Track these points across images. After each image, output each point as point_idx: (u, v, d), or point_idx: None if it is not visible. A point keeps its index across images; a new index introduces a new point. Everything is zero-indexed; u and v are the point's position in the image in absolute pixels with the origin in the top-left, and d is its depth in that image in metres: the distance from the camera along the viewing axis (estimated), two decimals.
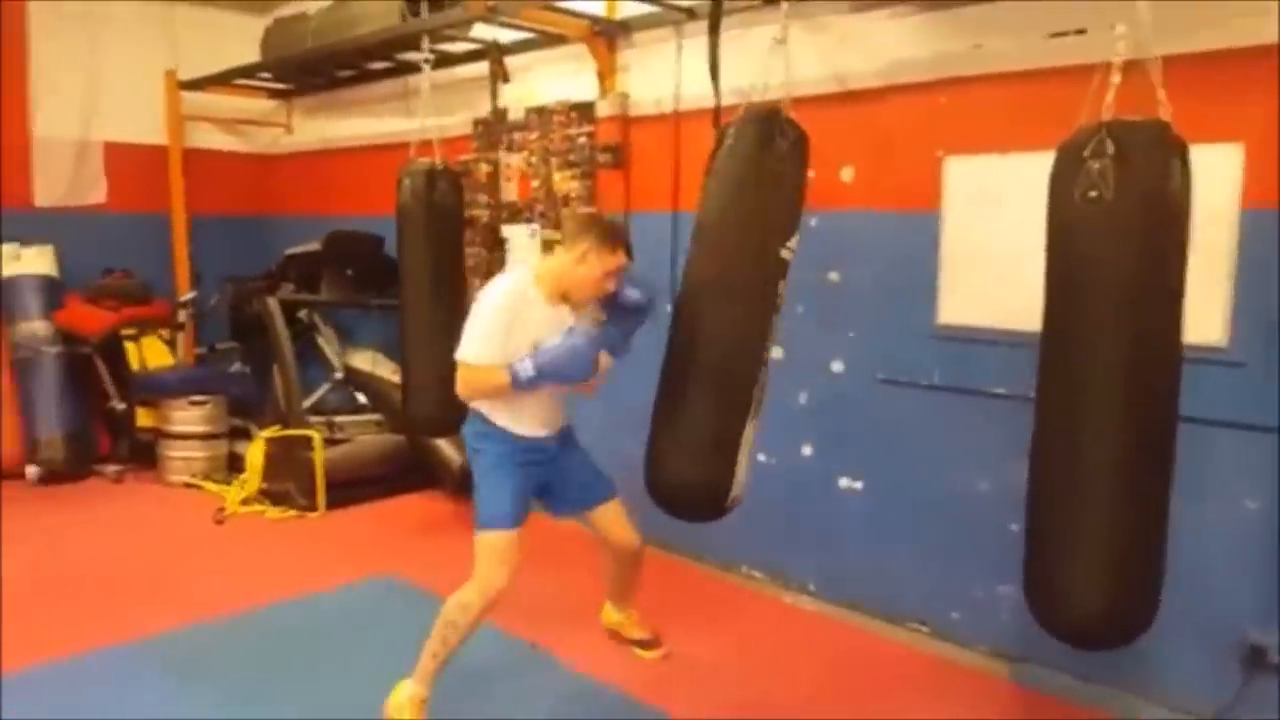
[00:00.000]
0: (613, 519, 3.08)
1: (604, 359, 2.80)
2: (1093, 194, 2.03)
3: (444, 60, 5.06)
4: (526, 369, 2.64)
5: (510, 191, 4.82)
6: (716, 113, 3.37)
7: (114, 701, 2.91)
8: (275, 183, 7.07)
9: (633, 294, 2.86)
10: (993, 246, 3.13)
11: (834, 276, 3.65)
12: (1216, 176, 2.54)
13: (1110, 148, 2.03)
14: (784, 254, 2.83)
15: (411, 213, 4.17)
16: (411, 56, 4.89)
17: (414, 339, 4.28)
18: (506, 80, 4.53)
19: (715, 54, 3.42)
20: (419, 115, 4.26)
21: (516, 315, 2.71)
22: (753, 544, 4.02)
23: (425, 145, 4.20)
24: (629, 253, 2.80)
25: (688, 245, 2.90)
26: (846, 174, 3.58)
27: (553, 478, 2.97)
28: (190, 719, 2.84)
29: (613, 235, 2.80)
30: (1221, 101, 2.60)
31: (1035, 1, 2.95)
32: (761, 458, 3.90)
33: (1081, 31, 2.85)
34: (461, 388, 2.76)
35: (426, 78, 4.29)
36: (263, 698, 2.98)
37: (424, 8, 4.44)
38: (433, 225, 4.16)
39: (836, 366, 3.68)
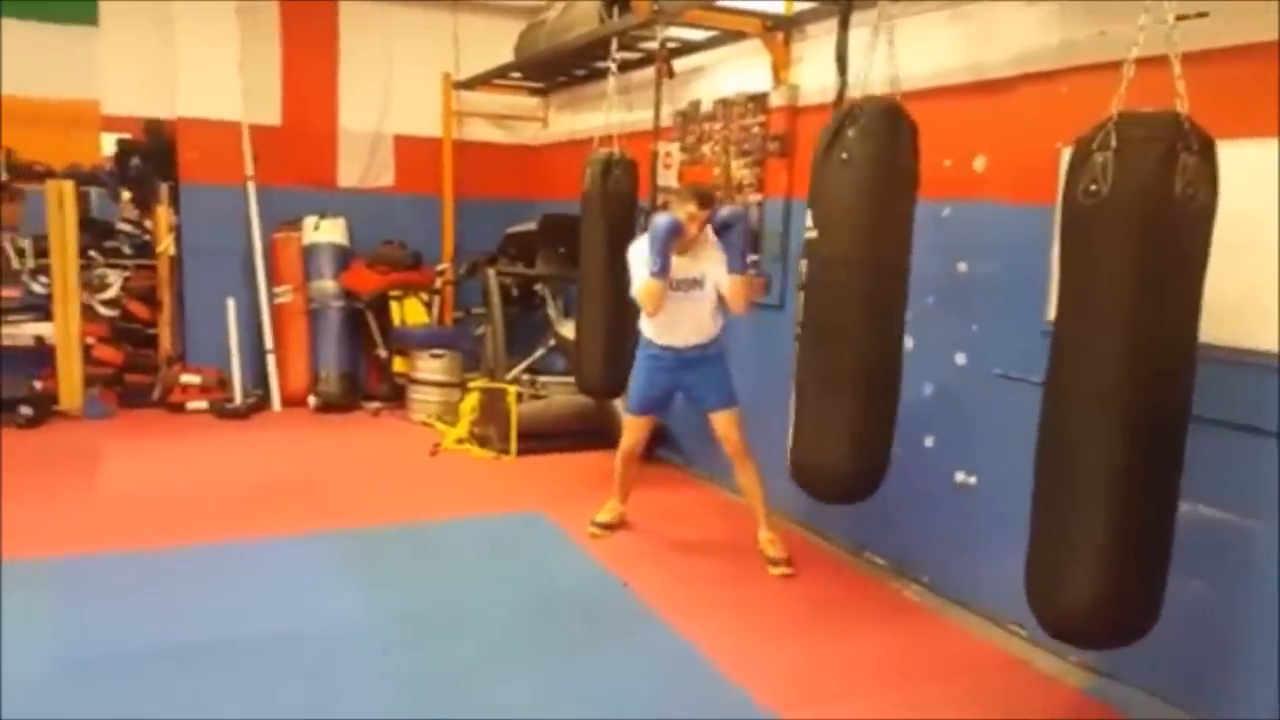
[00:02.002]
0: (722, 423, 4.06)
1: (737, 283, 3.88)
2: (1092, 188, 2.01)
3: (652, 58, 5.49)
4: (650, 261, 3.79)
5: (668, 178, 5.15)
6: (839, 104, 3.51)
7: (270, 575, 3.67)
8: (535, 170, 7.90)
9: (721, 213, 3.90)
10: None
11: (962, 267, 3.63)
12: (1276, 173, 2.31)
13: (1113, 141, 1.99)
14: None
15: (590, 197, 4.64)
16: (626, 56, 5.41)
17: (586, 312, 4.77)
18: (671, 76, 4.86)
19: (844, 47, 3.55)
20: (609, 107, 4.71)
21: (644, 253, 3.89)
22: (879, 532, 4.09)
23: (607, 138, 4.66)
24: (701, 204, 3.85)
25: None
26: (979, 164, 3.54)
27: (688, 383, 4.09)
28: (324, 596, 3.52)
29: (684, 193, 3.94)
30: None
31: None
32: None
33: (1204, 14, 2.66)
34: (643, 303, 3.94)
35: (613, 75, 4.73)
36: (390, 584, 3.67)
37: (616, 11, 4.87)
38: (606, 208, 4.59)
39: (960, 359, 3.65)
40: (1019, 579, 3.31)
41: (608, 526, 4.39)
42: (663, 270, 3.80)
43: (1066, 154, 3.08)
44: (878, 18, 2.95)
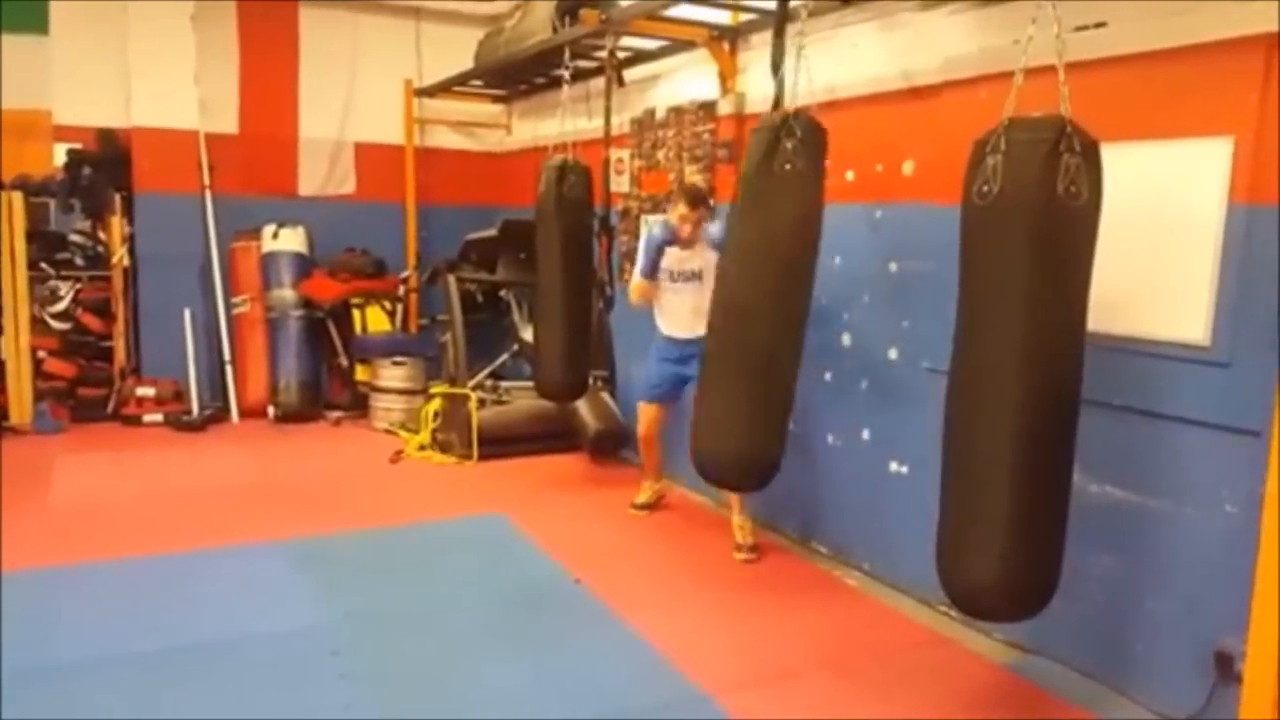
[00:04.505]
0: None
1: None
2: (985, 189, 2.16)
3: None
4: (638, 263, 4.34)
5: (621, 184, 5.29)
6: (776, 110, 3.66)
7: (228, 583, 3.69)
8: (500, 177, 7.97)
9: (712, 230, 4.18)
10: None
11: (893, 267, 3.78)
12: (1202, 171, 2.49)
13: (1003, 145, 2.14)
14: None
15: (544, 202, 4.75)
16: (581, 64, 5.55)
17: (544, 315, 4.89)
18: (621, 84, 4.99)
19: (779, 56, 3.69)
20: (564, 115, 4.85)
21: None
22: (823, 522, 4.24)
23: (563, 145, 4.80)
24: (691, 205, 4.15)
25: None
26: (908, 168, 3.69)
27: (688, 374, 4.20)
28: (282, 601, 3.58)
29: (675, 194, 4.34)
30: (1213, 94, 2.52)
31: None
32: (830, 439, 4.14)
33: (1102, 24, 2.83)
34: (630, 294, 4.50)
35: (566, 84, 4.88)
36: (349, 588, 3.73)
37: (568, 21, 5.01)
38: (561, 214, 4.71)
39: (892, 354, 3.80)
40: None
41: (647, 507, 4.75)
42: (648, 273, 4.28)
43: None
44: (803, 22, 3.08)
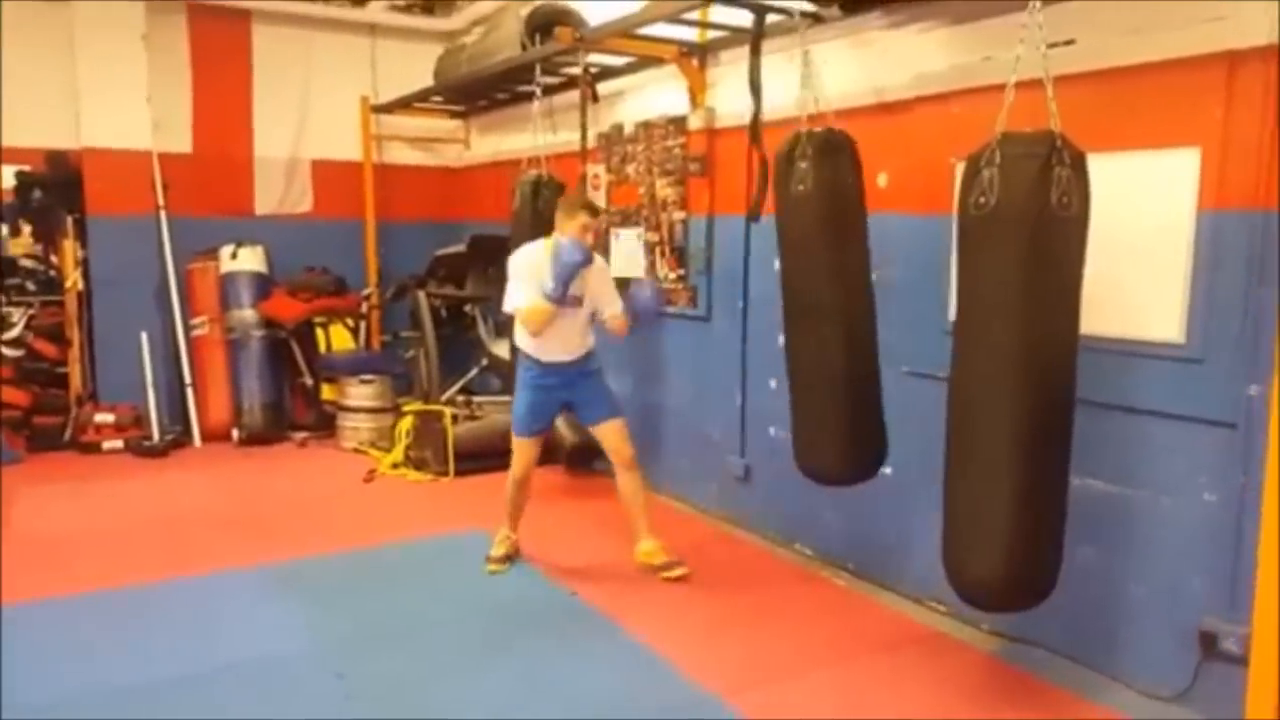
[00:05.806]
0: (612, 434, 4.12)
1: (619, 318, 4.07)
2: (981, 201, 2.27)
3: (572, 82, 5.69)
4: (548, 285, 3.77)
5: (597, 199, 5.35)
6: (754, 126, 3.78)
7: (210, 611, 3.65)
8: (458, 192, 8.00)
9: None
10: None
11: (872, 276, 3.89)
12: (1174, 180, 2.64)
13: (998, 158, 2.26)
14: None
15: (520, 216, 4.81)
16: (547, 80, 5.60)
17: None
18: (596, 100, 5.07)
19: (756, 73, 3.81)
20: (536, 130, 4.91)
21: (532, 269, 3.88)
22: (806, 524, 4.34)
23: (535, 160, 4.85)
24: (594, 214, 3.97)
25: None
26: (882, 179, 3.82)
27: (571, 397, 4.11)
28: (270, 627, 3.54)
29: (575, 204, 3.98)
30: (1180, 107, 2.69)
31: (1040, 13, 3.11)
32: None
33: (1070, 42, 2.99)
34: (525, 324, 3.92)
35: (538, 100, 4.93)
36: (338, 609, 3.71)
37: (537, 38, 5.07)
38: (537, 228, 4.75)
39: None
40: (933, 559, 3.61)
41: (506, 559, 4.19)
42: (561, 298, 3.79)
43: (960, 168, 3.44)
44: (802, 42, 3.19)
